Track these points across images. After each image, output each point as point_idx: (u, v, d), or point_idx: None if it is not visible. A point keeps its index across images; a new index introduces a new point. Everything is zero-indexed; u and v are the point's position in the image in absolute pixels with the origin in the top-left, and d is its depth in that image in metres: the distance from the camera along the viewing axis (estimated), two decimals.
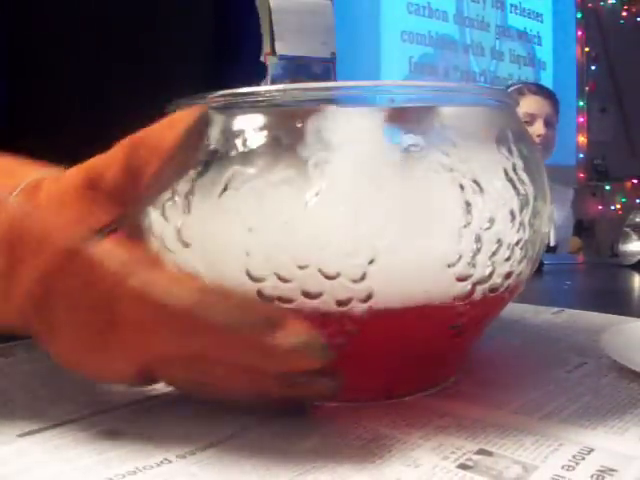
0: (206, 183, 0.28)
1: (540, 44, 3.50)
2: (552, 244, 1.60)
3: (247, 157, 0.27)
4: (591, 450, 0.24)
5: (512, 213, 0.29)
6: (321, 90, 0.29)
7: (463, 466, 0.23)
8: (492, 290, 0.29)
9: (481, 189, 0.28)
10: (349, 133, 0.27)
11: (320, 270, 0.26)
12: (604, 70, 3.67)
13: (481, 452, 0.24)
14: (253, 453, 0.25)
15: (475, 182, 0.28)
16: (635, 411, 0.28)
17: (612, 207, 3.69)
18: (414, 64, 2.96)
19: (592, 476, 0.22)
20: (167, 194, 0.29)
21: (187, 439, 0.26)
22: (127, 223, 0.27)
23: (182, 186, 0.28)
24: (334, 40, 2.49)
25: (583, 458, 0.24)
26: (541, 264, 0.80)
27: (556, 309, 0.49)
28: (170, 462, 0.24)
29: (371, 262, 0.26)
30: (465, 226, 0.27)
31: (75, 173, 0.27)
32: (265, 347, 0.24)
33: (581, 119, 3.71)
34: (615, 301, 0.62)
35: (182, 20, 0.55)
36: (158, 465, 0.24)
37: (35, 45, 0.46)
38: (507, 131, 0.30)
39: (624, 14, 3.73)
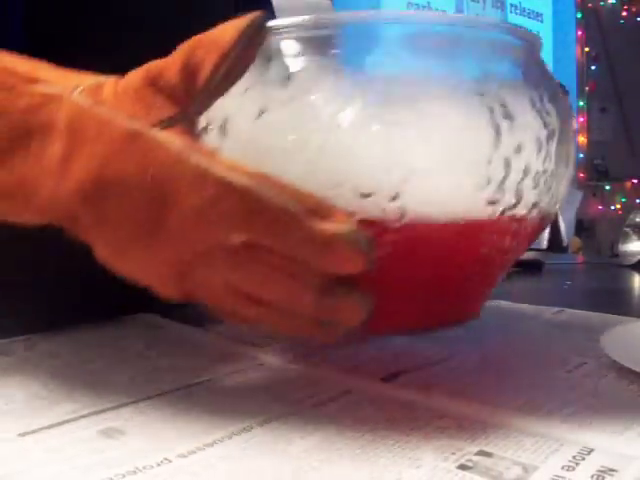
0: (242, 107, 0.28)
1: None
2: (565, 244, 1.60)
3: (282, 81, 0.28)
4: (591, 450, 0.24)
5: (539, 142, 0.30)
6: (356, 18, 0.30)
7: (463, 467, 0.23)
8: (518, 220, 0.30)
9: (510, 115, 0.29)
10: (383, 56, 0.29)
11: (354, 189, 0.27)
12: (604, 70, 3.67)
13: (481, 453, 0.24)
14: (253, 453, 0.25)
15: (504, 107, 0.29)
16: (635, 411, 0.28)
17: (612, 207, 3.69)
18: None
19: (592, 476, 0.22)
20: (203, 120, 0.29)
21: (187, 438, 0.26)
22: (185, 122, 0.28)
23: (219, 110, 0.29)
24: None
25: (583, 458, 0.24)
26: (541, 264, 0.80)
27: (556, 309, 0.49)
28: (170, 462, 0.24)
29: (404, 181, 0.27)
30: (495, 150, 0.28)
31: (136, 73, 0.28)
32: (313, 233, 0.25)
33: (581, 119, 3.71)
34: (615, 301, 0.62)
35: (203, 21, 0.55)
36: (158, 465, 0.24)
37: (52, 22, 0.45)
38: (533, 66, 0.32)
39: (624, 14, 3.73)
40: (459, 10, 3.14)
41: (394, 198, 0.27)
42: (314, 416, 0.28)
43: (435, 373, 0.34)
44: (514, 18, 3.40)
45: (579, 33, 3.71)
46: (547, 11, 3.58)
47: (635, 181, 3.72)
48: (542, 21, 3.55)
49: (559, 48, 3.57)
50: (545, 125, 0.30)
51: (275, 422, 0.28)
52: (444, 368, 0.35)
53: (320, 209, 0.25)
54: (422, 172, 0.27)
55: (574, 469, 0.23)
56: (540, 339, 0.42)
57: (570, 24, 3.67)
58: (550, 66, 0.35)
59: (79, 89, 0.28)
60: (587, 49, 3.71)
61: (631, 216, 0.98)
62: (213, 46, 0.27)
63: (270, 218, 0.25)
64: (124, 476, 0.23)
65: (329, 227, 0.25)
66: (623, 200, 3.68)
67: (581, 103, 3.70)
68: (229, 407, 0.30)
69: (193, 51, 0.28)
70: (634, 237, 0.92)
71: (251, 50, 0.28)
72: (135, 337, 0.42)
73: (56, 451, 0.25)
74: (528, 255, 0.79)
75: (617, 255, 0.93)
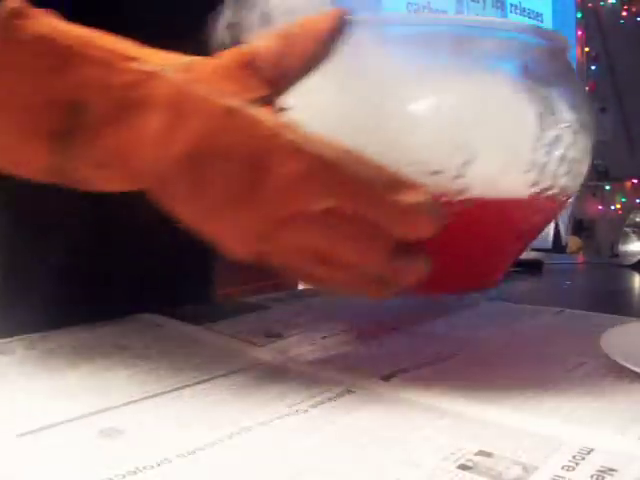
0: (327, 90, 0.33)
1: None
2: (564, 243, 1.60)
3: (363, 70, 0.33)
4: (591, 450, 0.24)
5: (573, 134, 0.35)
6: (428, 20, 0.38)
7: (463, 467, 0.23)
8: (550, 201, 0.35)
9: (552, 110, 0.34)
10: (452, 55, 0.34)
11: (426, 168, 0.32)
12: (604, 70, 3.67)
13: (481, 453, 0.24)
14: (253, 453, 0.25)
15: (548, 103, 0.34)
16: (635, 411, 0.28)
17: (612, 207, 3.69)
18: None
19: (592, 476, 0.22)
20: (285, 100, 0.32)
21: (187, 438, 0.26)
22: (274, 101, 0.31)
23: (301, 91, 0.32)
24: None
25: (583, 458, 0.24)
26: (541, 264, 0.80)
27: (556, 309, 0.49)
28: (170, 462, 0.24)
29: (466, 164, 0.32)
30: (539, 140, 0.33)
31: (229, 55, 0.31)
32: (394, 203, 0.29)
33: None
34: (615, 301, 0.62)
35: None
36: (158, 465, 0.24)
37: None
38: (566, 67, 0.37)
39: (624, 14, 3.72)
40: (459, 10, 3.14)
41: (457, 177, 0.32)
42: (314, 416, 0.28)
43: (435, 372, 0.34)
44: (514, 18, 3.40)
45: (579, 33, 3.71)
46: (547, 11, 3.57)
47: (635, 181, 3.72)
48: (542, 21, 3.54)
49: None
50: (578, 119, 0.35)
51: (275, 422, 0.28)
52: (444, 367, 0.35)
53: (400, 182, 0.29)
54: (481, 157, 0.32)
55: (574, 469, 0.23)
56: (540, 339, 0.42)
57: (570, 24, 3.66)
58: None
59: (173, 67, 0.30)
60: (587, 49, 3.70)
61: (631, 216, 0.98)
62: (309, 36, 0.31)
63: (357, 188, 0.29)
64: (124, 476, 0.23)
65: (408, 198, 0.29)
66: (623, 200, 3.68)
67: None
68: (229, 407, 0.30)
69: (289, 39, 0.31)
70: (634, 237, 0.92)
71: (338, 41, 0.31)
72: (135, 337, 0.42)
73: (56, 451, 0.25)
74: (528, 255, 0.79)
75: (617, 255, 0.93)
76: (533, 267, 0.78)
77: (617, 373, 0.33)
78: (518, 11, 3.43)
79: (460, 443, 0.25)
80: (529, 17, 3.47)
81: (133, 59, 0.30)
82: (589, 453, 0.24)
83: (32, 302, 0.53)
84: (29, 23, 0.30)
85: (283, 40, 0.31)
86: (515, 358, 0.38)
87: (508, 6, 3.37)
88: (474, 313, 0.49)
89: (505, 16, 3.35)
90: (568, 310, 0.48)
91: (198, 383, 0.33)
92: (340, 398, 0.31)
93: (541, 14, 3.54)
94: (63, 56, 0.30)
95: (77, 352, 0.39)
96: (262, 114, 0.29)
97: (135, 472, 0.23)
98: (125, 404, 0.30)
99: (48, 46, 0.30)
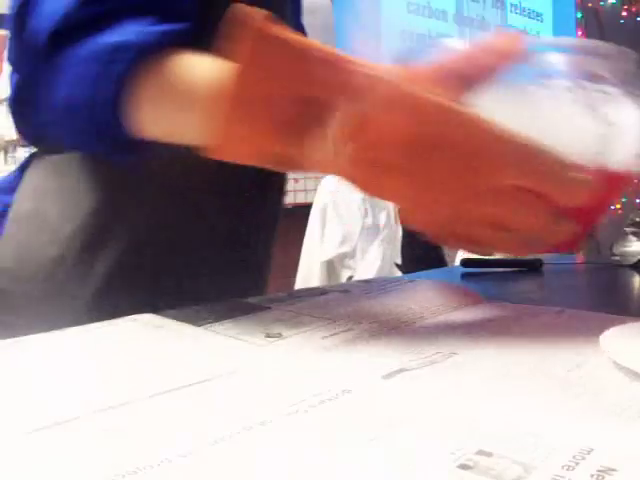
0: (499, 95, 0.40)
1: None
2: None
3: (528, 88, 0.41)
4: (591, 450, 0.24)
5: None
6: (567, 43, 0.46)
7: (463, 467, 0.23)
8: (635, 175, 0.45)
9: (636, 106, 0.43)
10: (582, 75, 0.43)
11: (578, 152, 0.38)
12: None
13: (481, 453, 0.24)
14: (254, 452, 0.25)
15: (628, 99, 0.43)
16: (635, 411, 0.28)
17: (612, 207, 3.69)
18: None
19: (592, 476, 0.22)
20: None
21: (187, 438, 0.26)
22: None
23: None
24: (334, 40, 2.48)
25: (583, 458, 0.24)
26: (541, 264, 0.80)
27: (556, 309, 0.49)
28: (170, 461, 0.24)
29: (603, 149, 0.40)
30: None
31: (434, 65, 0.37)
32: (566, 178, 0.36)
33: None
34: (615, 301, 0.62)
35: None
36: (158, 465, 0.24)
37: None
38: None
39: (624, 14, 3.73)
40: (459, 10, 3.14)
41: (595, 159, 0.40)
42: (314, 416, 0.28)
43: (435, 372, 0.34)
44: (514, 18, 3.40)
45: (579, 33, 3.71)
46: (547, 11, 3.57)
47: (635, 181, 3.72)
48: (542, 21, 3.54)
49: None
50: None
51: (275, 422, 0.28)
52: (444, 367, 0.35)
53: (569, 163, 0.36)
54: (612, 144, 0.41)
55: (574, 469, 0.23)
56: (540, 339, 0.42)
57: (570, 24, 3.67)
58: None
59: (385, 72, 0.36)
60: None
61: (631, 216, 0.98)
62: (499, 54, 0.37)
63: (543, 169, 0.36)
64: (124, 476, 0.23)
65: (577, 176, 0.36)
66: (623, 200, 3.68)
67: None
68: (229, 407, 0.30)
69: (483, 52, 0.38)
70: (634, 237, 0.92)
71: (516, 62, 0.38)
72: (135, 337, 0.42)
73: (57, 451, 0.25)
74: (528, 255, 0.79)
75: (617, 255, 0.93)
76: (533, 267, 0.78)
77: (617, 373, 0.33)
78: (518, 11, 3.43)
79: (460, 443, 0.25)
80: (529, 17, 3.47)
81: (347, 61, 0.36)
82: (589, 453, 0.24)
83: (33, 302, 0.53)
84: (274, 28, 0.35)
85: (478, 55, 0.37)
86: (515, 358, 0.37)
87: (508, 6, 3.37)
88: (474, 313, 0.49)
89: (505, 16, 3.35)
90: (568, 310, 0.48)
91: (198, 383, 0.33)
92: (340, 398, 0.31)
93: (541, 14, 3.55)
94: (297, 56, 0.35)
95: (77, 352, 0.39)
96: (467, 111, 0.35)
97: (135, 472, 0.23)
98: (125, 404, 0.30)
99: (287, 48, 0.35)
